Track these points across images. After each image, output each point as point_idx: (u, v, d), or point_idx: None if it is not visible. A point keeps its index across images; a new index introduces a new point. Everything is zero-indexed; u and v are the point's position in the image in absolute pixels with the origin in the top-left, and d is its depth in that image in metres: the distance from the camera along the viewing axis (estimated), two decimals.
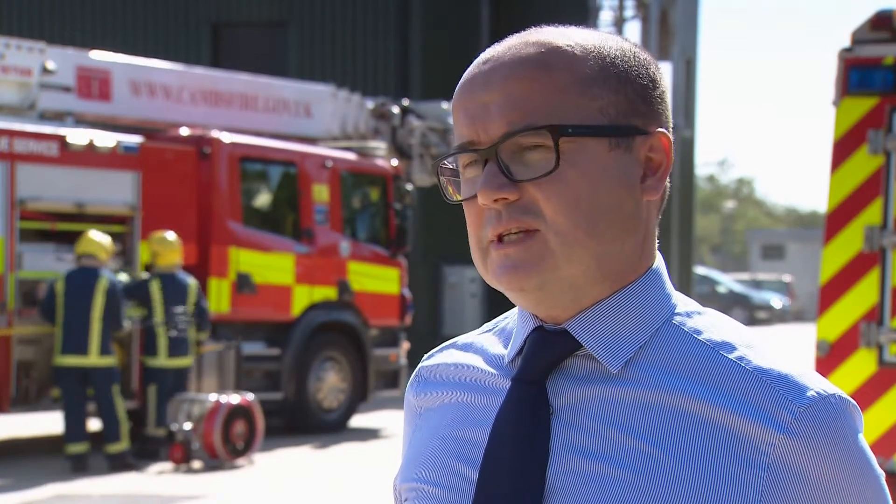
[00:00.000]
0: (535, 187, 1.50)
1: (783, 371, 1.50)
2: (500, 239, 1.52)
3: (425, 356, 1.75)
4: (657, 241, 1.61)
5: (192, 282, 13.44)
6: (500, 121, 1.52)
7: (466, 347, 1.69)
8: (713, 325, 1.56)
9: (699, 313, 1.58)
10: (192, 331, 13.49)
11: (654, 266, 1.59)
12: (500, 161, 1.51)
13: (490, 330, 1.69)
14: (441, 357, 1.71)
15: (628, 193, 1.54)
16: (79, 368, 12.41)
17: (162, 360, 13.29)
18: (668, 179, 1.60)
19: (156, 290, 13.23)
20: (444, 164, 1.60)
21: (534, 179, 1.50)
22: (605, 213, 1.51)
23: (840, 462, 1.47)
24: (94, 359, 12.42)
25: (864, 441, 1.51)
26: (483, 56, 1.58)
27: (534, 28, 1.59)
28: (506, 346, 1.64)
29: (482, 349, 1.66)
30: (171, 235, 13.48)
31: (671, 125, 1.60)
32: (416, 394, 1.71)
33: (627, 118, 1.54)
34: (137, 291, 13.26)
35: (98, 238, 12.53)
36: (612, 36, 1.59)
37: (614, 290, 1.55)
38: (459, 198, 1.58)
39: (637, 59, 1.57)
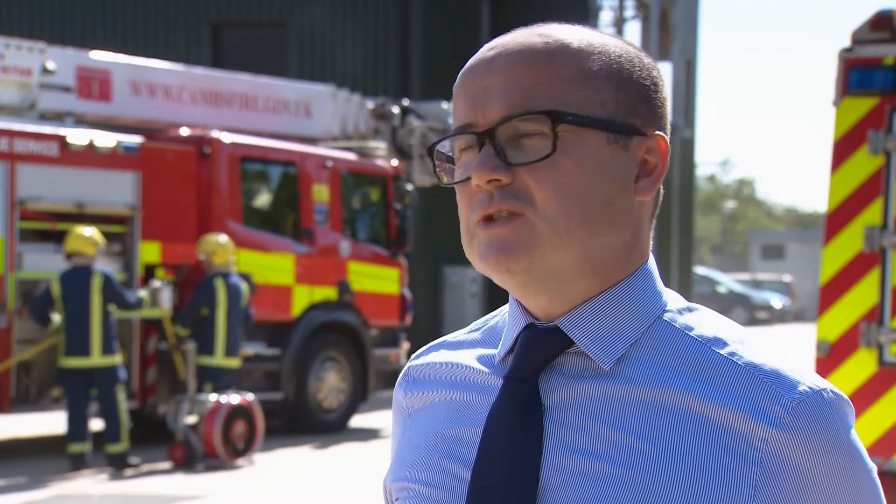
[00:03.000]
0: (528, 173, 1.50)
1: (775, 366, 1.50)
2: (487, 220, 1.52)
3: (414, 355, 1.74)
4: (650, 241, 1.61)
5: (244, 285, 13.52)
6: (501, 104, 1.52)
7: (456, 346, 1.68)
8: (704, 321, 1.57)
9: (690, 310, 1.58)
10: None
11: (646, 264, 1.59)
12: (496, 144, 1.52)
13: (480, 328, 1.69)
14: (430, 356, 1.71)
15: (621, 190, 1.54)
16: (83, 369, 12.40)
17: (219, 360, 13.35)
18: (661, 183, 1.60)
19: (221, 289, 13.30)
20: (440, 148, 1.60)
21: (528, 164, 1.50)
22: (597, 206, 1.51)
23: (832, 456, 1.48)
24: (96, 359, 12.42)
25: (857, 435, 1.51)
26: (489, 44, 1.59)
27: (541, 24, 1.60)
28: (496, 345, 1.63)
29: (472, 347, 1.66)
30: (222, 237, 13.61)
31: (668, 131, 1.60)
32: (406, 393, 1.71)
33: (627, 116, 1.54)
34: (206, 291, 13.33)
35: (84, 234, 12.50)
36: (617, 38, 1.60)
37: (604, 287, 1.55)
38: (453, 181, 1.58)
39: (641, 62, 1.58)
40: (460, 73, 1.58)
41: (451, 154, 1.60)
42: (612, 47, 1.57)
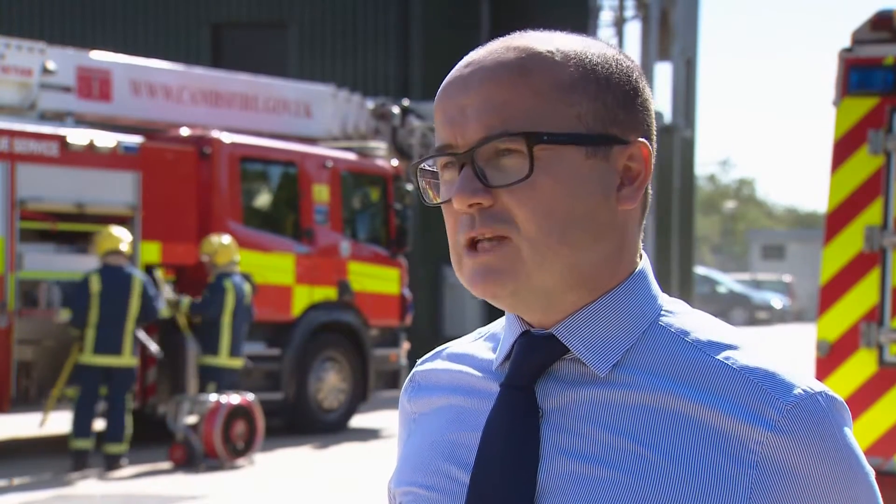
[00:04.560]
0: (508, 194, 1.51)
1: (770, 369, 1.50)
2: (472, 244, 1.53)
3: (419, 361, 1.76)
4: (640, 245, 1.61)
5: (247, 285, 13.55)
6: (477, 125, 1.52)
7: (459, 352, 1.70)
8: (700, 325, 1.57)
9: (685, 314, 1.58)
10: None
11: (639, 269, 1.59)
12: (475, 166, 1.52)
13: (481, 336, 1.70)
14: (434, 362, 1.72)
15: (603, 202, 1.53)
16: (105, 368, 12.43)
17: (223, 360, 13.36)
18: (648, 187, 1.59)
19: (230, 290, 13.31)
20: (424, 166, 1.60)
21: (507, 186, 1.50)
22: (579, 221, 1.51)
23: (828, 459, 1.48)
24: (126, 359, 12.49)
25: (853, 438, 1.51)
26: (465, 59, 1.58)
27: (518, 32, 1.59)
28: (495, 352, 1.64)
29: (473, 355, 1.67)
30: (224, 237, 13.63)
31: (654, 133, 1.59)
32: (410, 398, 1.72)
33: (606, 126, 1.53)
34: (219, 293, 13.34)
35: (119, 233, 12.56)
36: (596, 42, 1.59)
37: (596, 296, 1.55)
38: (438, 200, 1.58)
39: (619, 67, 1.57)
40: (439, 91, 1.57)
41: (434, 171, 1.60)
42: (589, 54, 1.55)
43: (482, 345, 1.68)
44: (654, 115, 1.61)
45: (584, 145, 1.52)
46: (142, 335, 13.54)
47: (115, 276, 12.41)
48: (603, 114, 1.53)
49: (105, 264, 12.46)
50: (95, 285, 12.35)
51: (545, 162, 1.50)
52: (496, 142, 1.51)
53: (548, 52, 1.54)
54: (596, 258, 1.53)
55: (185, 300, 13.54)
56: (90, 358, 12.41)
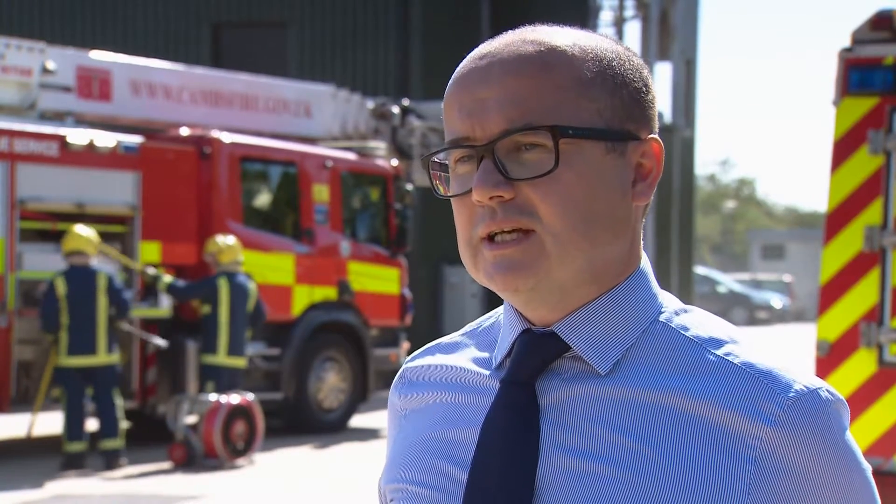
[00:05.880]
0: (530, 187, 1.50)
1: (770, 365, 1.50)
2: (491, 237, 1.52)
3: (409, 357, 1.74)
4: (641, 243, 1.61)
5: (251, 285, 13.54)
6: (499, 117, 1.50)
7: (451, 348, 1.68)
8: (699, 322, 1.57)
9: (685, 311, 1.59)
10: (248, 332, 13.69)
11: (640, 267, 1.59)
12: (496, 158, 1.50)
13: (475, 330, 1.69)
14: (425, 358, 1.71)
15: (621, 198, 1.53)
16: (84, 368, 12.42)
17: (221, 358, 13.36)
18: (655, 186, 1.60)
19: (223, 287, 13.31)
20: (435, 159, 1.58)
21: (531, 179, 1.50)
22: (600, 216, 1.51)
23: (827, 455, 1.48)
24: (102, 357, 12.47)
25: (851, 435, 1.52)
26: (478, 51, 1.56)
27: (529, 26, 1.58)
28: (491, 347, 1.63)
29: (467, 350, 1.66)
30: (229, 238, 13.66)
31: (657, 128, 1.60)
32: (401, 395, 1.71)
33: (623, 122, 1.54)
34: (207, 285, 13.35)
35: (84, 233, 12.51)
36: (605, 38, 1.59)
37: (601, 292, 1.55)
38: (450, 193, 1.57)
39: (631, 63, 1.57)
40: (451, 83, 1.56)
41: (445, 163, 1.58)
42: (604, 50, 1.55)
43: (476, 340, 1.67)
44: (657, 111, 1.61)
45: (606, 140, 1.52)
46: (142, 333, 13.55)
47: (80, 276, 12.38)
48: (620, 110, 1.54)
49: (70, 265, 12.44)
50: (61, 288, 12.34)
51: (568, 156, 1.50)
52: (518, 135, 1.50)
53: (566, 46, 1.53)
54: (612, 254, 1.54)
55: (166, 278, 13.51)
56: (65, 360, 12.40)
